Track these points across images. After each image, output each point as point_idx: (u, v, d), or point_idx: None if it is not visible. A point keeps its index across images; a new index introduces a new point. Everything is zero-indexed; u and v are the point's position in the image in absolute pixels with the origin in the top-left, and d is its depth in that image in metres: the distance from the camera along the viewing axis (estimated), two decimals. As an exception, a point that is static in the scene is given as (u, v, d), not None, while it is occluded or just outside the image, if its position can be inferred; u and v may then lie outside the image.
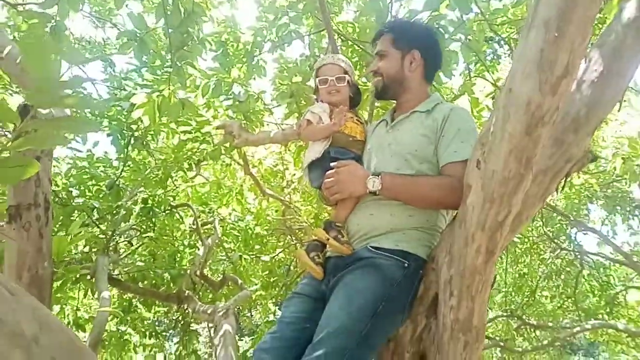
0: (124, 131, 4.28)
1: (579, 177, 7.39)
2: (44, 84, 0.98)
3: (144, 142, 4.80)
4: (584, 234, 7.86)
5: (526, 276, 8.70)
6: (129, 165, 4.93)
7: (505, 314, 8.08)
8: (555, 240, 8.21)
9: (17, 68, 2.18)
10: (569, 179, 1.60)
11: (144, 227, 5.16)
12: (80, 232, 2.72)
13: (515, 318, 8.03)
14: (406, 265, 1.59)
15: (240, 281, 4.50)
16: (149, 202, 5.04)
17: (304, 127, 1.86)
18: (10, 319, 1.02)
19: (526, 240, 8.64)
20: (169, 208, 5.22)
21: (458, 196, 1.50)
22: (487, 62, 4.74)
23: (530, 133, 1.26)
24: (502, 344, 7.34)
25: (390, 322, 1.57)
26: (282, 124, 3.99)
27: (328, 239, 1.66)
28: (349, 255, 1.64)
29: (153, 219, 5.05)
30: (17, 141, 1.03)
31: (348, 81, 1.90)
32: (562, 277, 8.72)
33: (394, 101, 1.92)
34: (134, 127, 4.31)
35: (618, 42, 1.46)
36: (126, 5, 4.28)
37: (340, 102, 1.88)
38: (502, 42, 4.71)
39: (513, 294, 8.80)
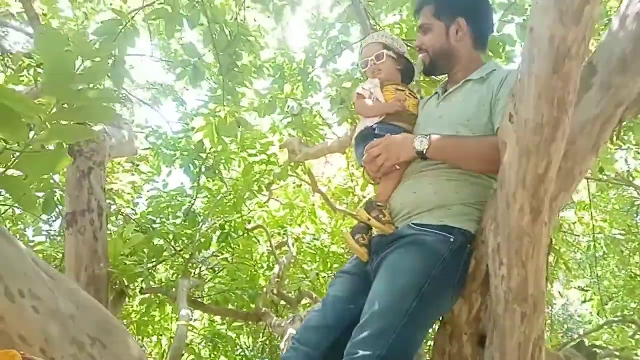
0: (195, 160, 4.54)
1: (684, 160, 6.60)
2: (57, 75, 1.07)
3: (216, 171, 5.05)
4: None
5: (638, 277, 7.81)
6: (205, 196, 5.19)
7: (616, 319, 7.28)
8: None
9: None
10: (623, 125, 1.43)
11: (223, 252, 5.37)
12: (133, 237, 2.90)
13: (630, 324, 7.20)
14: (452, 240, 1.49)
15: (315, 295, 4.51)
16: (226, 227, 5.25)
17: (355, 100, 1.85)
18: (49, 298, 1.09)
19: (633, 238, 7.81)
20: (245, 231, 5.40)
21: None
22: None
23: (558, 70, 1.15)
24: (617, 353, 6.59)
25: (439, 300, 1.48)
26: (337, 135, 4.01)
27: (369, 219, 1.62)
28: (391, 234, 1.58)
29: (231, 244, 5.24)
30: (42, 134, 1.13)
31: (390, 55, 1.84)
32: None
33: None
34: (203, 155, 4.56)
35: (660, -35, 1.31)
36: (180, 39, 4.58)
37: (386, 78, 1.83)
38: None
39: (626, 298, 7.93)
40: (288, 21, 4.49)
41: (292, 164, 4.57)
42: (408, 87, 1.90)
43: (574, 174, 1.41)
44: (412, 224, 1.55)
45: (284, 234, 5.94)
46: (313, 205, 6.06)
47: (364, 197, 6.60)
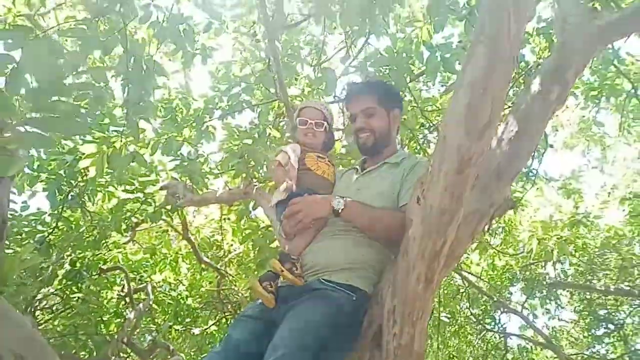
0: (62, 186, 4.19)
1: (500, 259, 7.90)
2: (44, 86, 1.08)
3: (80, 201, 4.68)
4: (507, 314, 8.22)
5: (455, 359, 8.82)
6: (59, 227, 4.74)
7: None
8: (481, 322, 8.51)
9: None
10: (492, 222, 1.82)
11: (67, 292, 4.87)
12: (31, 257, 2.57)
13: (446, 400, 8.01)
14: (354, 298, 1.69)
15: (172, 347, 4.29)
16: (77, 264, 4.82)
17: (276, 167, 1.98)
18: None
19: (454, 321, 8.89)
20: (98, 272, 5.00)
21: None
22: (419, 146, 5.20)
23: (461, 172, 1.48)
24: None
25: (337, 351, 1.64)
26: (228, 187, 4.09)
27: (282, 271, 1.74)
28: (300, 285, 1.73)
29: (79, 283, 4.80)
30: (4, 138, 1.10)
31: (326, 127, 2.07)
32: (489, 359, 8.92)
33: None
34: (73, 182, 4.24)
35: (528, 109, 1.78)
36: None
37: (314, 145, 2.05)
38: (431, 128, 5.21)
39: (443, 376, 8.84)
40: (191, 69, 4.55)
41: (168, 207, 4.47)
42: (327, 155, 2.15)
43: (455, 255, 1.74)
44: (322, 279, 1.72)
45: (139, 280, 5.62)
46: (177, 253, 5.88)
47: (230, 252, 6.60)
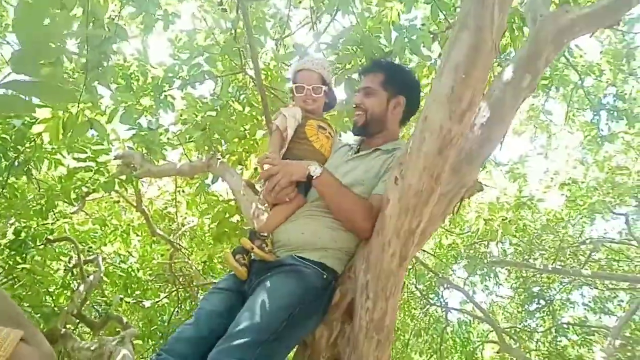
0: (8, 152, 3.95)
1: (447, 238, 8.25)
2: (30, 48, 1.02)
3: (26, 169, 4.44)
4: (449, 289, 8.62)
5: (399, 331, 9.18)
6: (4, 195, 4.49)
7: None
8: (425, 297, 8.90)
9: None
10: (462, 203, 1.90)
11: (10, 262, 4.65)
12: None
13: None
14: (324, 276, 1.72)
15: (125, 320, 4.21)
16: (22, 234, 4.60)
17: (274, 130, 1.93)
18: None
19: (401, 296, 9.25)
20: (45, 242, 4.79)
21: (367, 220, 1.69)
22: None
23: (442, 153, 1.53)
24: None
25: (304, 325, 1.66)
26: (188, 158, 4.00)
27: (252, 248, 1.74)
28: (272, 260, 1.74)
29: (24, 254, 4.58)
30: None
31: (325, 91, 1.97)
32: (430, 332, 9.37)
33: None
34: (20, 148, 4.00)
35: (500, 95, 1.86)
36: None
37: (315, 111, 1.97)
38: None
39: (387, 348, 9.21)
40: (150, 35, 4.35)
41: (123, 177, 4.31)
42: (330, 125, 2.06)
43: (426, 234, 1.81)
44: (296, 255, 1.74)
45: (88, 251, 5.43)
46: (129, 225, 5.71)
47: (183, 225, 6.49)
